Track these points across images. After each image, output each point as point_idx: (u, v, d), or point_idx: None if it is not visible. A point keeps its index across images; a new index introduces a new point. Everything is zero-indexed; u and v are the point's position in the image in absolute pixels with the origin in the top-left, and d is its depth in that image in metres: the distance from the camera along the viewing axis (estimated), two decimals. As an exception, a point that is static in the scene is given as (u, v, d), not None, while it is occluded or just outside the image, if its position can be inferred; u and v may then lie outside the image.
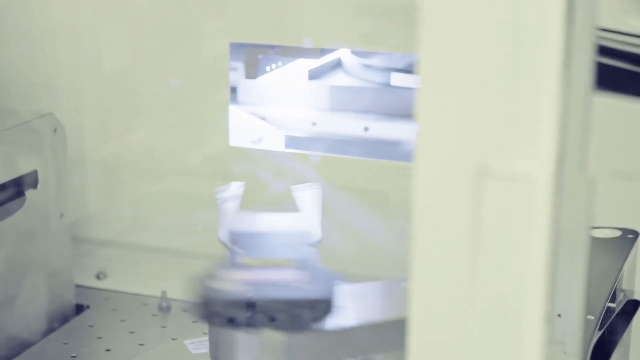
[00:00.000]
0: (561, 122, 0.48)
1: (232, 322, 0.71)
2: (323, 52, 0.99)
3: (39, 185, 0.93)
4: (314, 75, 1.09)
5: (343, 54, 1.09)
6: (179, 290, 1.02)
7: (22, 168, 0.92)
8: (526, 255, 0.49)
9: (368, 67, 1.09)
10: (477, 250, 0.50)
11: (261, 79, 1.04)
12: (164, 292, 1.01)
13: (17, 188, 0.92)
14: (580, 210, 0.54)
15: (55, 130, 0.95)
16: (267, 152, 1.02)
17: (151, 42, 1.04)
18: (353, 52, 1.07)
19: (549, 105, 0.48)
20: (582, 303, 0.59)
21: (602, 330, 0.78)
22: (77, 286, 1.02)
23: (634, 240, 0.91)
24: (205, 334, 0.93)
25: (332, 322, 0.70)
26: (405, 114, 1.04)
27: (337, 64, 1.13)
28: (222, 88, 1.03)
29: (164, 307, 1.01)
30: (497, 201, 0.49)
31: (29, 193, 0.93)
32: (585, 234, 0.56)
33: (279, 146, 1.05)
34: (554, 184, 0.48)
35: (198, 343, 0.91)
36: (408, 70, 1.07)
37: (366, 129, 1.04)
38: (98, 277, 1.06)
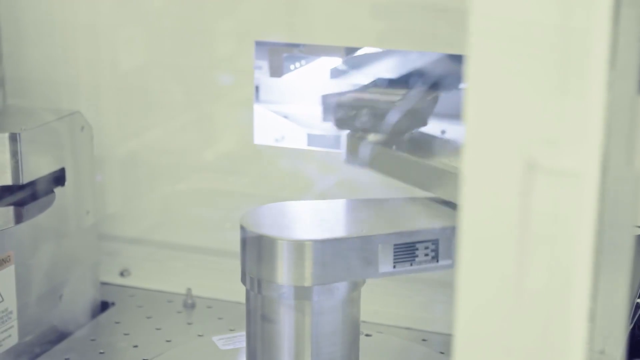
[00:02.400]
0: (608, 119, 0.49)
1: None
2: (347, 50, 1.00)
3: (66, 183, 0.94)
4: (336, 74, 1.09)
5: (364, 52, 1.09)
6: (203, 287, 1.03)
7: (51, 166, 0.92)
8: (573, 249, 0.50)
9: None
10: (524, 243, 0.50)
11: (283, 77, 1.05)
12: (189, 289, 1.02)
13: (47, 186, 0.93)
14: (626, 206, 0.55)
15: (82, 128, 0.96)
16: (290, 149, 1.03)
17: (169, 40, 1.05)
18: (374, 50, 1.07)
19: (596, 102, 0.49)
20: (625, 299, 0.59)
21: (632, 325, 0.79)
22: (102, 283, 1.03)
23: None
24: (231, 330, 0.95)
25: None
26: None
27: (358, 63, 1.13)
28: (243, 86, 1.03)
29: (189, 304, 1.01)
30: (545, 195, 0.50)
31: (57, 191, 0.93)
32: (630, 230, 0.56)
33: (302, 144, 1.06)
34: (601, 180, 0.49)
35: (226, 339, 0.91)
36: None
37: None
38: (122, 274, 1.07)
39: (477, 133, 0.50)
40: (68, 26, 1.08)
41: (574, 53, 0.49)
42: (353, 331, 0.79)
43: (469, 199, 0.51)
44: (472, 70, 0.50)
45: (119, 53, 1.08)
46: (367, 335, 0.92)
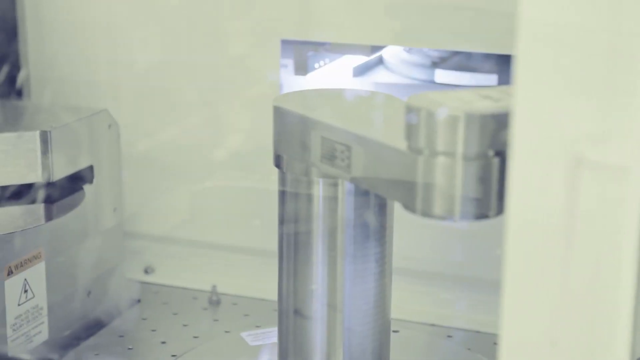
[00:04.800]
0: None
1: None
2: (373, 49, 1.01)
3: (94, 181, 0.95)
4: (358, 72, 1.10)
5: (385, 51, 1.10)
6: (227, 284, 1.04)
7: (80, 163, 0.93)
8: (619, 243, 0.51)
9: (410, 64, 1.11)
10: (571, 239, 0.51)
11: (301, 76, 1.05)
12: (214, 287, 1.03)
13: (76, 183, 0.93)
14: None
15: (109, 126, 0.97)
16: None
17: (187, 39, 1.06)
18: (394, 49, 1.08)
19: (643, 98, 0.49)
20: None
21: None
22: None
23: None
24: (257, 327, 0.95)
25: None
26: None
27: (379, 62, 1.14)
28: (266, 83, 1.04)
29: (214, 300, 1.02)
30: (592, 191, 0.50)
31: (85, 188, 0.94)
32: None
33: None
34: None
35: (255, 335, 0.92)
36: (451, 67, 1.08)
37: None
38: (146, 271, 1.08)
39: (525, 130, 0.51)
40: (87, 26, 1.09)
41: (621, 52, 0.49)
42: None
43: (517, 194, 0.52)
44: (520, 69, 0.51)
45: (137, 52, 1.09)
46: (394, 331, 0.93)
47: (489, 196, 0.64)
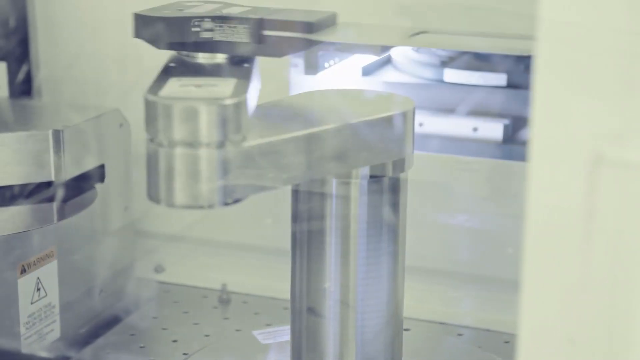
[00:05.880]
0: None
1: None
2: (384, 48, 1.01)
3: (106, 180, 0.95)
4: (367, 72, 1.10)
5: (394, 50, 1.10)
6: (235, 283, 1.05)
7: (92, 162, 0.93)
8: (638, 241, 0.51)
9: (419, 63, 1.11)
10: (590, 237, 0.52)
11: (311, 75, 1.05)
12: (224, 285, 1.03)
13: (88, 182, 0.94)
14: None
15: (120, 125, 0.97)
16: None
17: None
18: (403, 48, 1.08)
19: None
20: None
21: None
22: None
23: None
24: (268, 325, 0.96)
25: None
26: (458, 109, 1.06)
27: (387, 61, 1.14)
28: (273, 83, 1.04)
29: (224, 299, 1.02)
30: (611, 189, 0.51)
31: (97, 187, 0.94)
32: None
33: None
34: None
35: (267, 334, 0.92)
36: (460, 66, 1.08)
37: (420, 124, 1.05)
38: (156, 270, 1.08)
39: (544, 128, 0.51)
40: (97, 26, 1.09)
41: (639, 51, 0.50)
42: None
43: (536, 192, 0.52)
44: (539, 67, 0.51)
45: (147, 52, 1.09)
46: (405, 330, 0.93)
47: (230, 183, 0.67)
